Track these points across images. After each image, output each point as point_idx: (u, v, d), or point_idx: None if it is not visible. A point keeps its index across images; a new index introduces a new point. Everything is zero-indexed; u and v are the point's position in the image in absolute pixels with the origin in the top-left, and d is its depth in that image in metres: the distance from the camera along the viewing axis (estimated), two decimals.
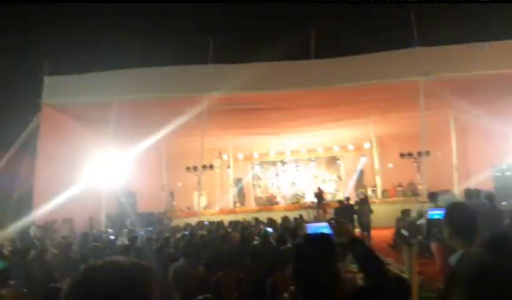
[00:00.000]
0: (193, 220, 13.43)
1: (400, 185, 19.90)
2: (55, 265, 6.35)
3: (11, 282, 4.81)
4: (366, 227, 13.58)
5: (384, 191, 20.04)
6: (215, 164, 20.92)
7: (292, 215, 14.34)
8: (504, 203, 12.26)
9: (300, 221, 11.77)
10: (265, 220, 12.47)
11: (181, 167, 19.69)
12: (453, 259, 2.09)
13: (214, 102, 13.16)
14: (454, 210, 2.35)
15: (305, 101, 14.53)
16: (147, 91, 13.32)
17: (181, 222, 15.09)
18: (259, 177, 23.87)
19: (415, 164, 16.79)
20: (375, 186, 20.70)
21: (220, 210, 19.61)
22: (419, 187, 17.22)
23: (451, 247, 2.26)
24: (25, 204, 12.54)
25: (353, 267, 3.31)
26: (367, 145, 21.38)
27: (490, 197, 7.78)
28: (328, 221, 2.23)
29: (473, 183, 15.26)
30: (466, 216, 2.25)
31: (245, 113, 15.13)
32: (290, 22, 16.20)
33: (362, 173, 22.11)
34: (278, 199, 22.36)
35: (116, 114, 13.21)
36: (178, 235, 9.08)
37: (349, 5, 17.37)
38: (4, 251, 7.28)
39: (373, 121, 18.23)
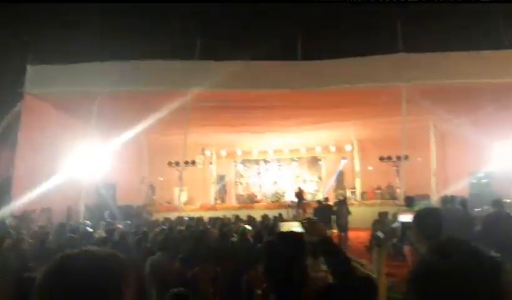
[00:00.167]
0: (173, 215, 13.42)
1: (379, 188, 20.23)
2: (30, 254, 6.30)
3: None
4: (343, 228, 13.74)
5: (362, 193, 20.35)
6: (197, 160, 20.88)
7: (272, 214, 14.44)
8: (477, 209, 12.57)
9: (278, 220, 11.86)
10: (244, 218, 12.55)
11: (164, 162, 19.62)
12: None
13: (198, 97, 13.16)
14: (423, 216, 2.45)
15: (289, 102, 14.64)
16: (131, 84, 13.23)
17: (161, 216, 15.05)
18: (241, 175, 23.95)
19: (394, 168, 17.06)
20: (354, 188, 20.99)
21: (201, 206, 19.62)
22: (397, 190, 17.52)
23: (419, 250, 2.36)
24: (4, 193, 12.35)
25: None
26: (348, 148, 21.64)
27: (463, 203, 7.99)
28: (301, 221, 2.30)
29: (450, 189, 15.65)
30: (434, 222, 2.35)
31: (229, 110, 15.18)
32: (278, 23, 16.27)
33: (342, 175, 22.39)
34: (259, 197, 22.47)
35: (100, 105, 13.10)
36: (157, 230, 9.07)
37: (337, 8, 17.50)
38: None
39: (354, 124, 18.50)
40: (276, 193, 22.78)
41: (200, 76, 12.84)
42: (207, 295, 5.55)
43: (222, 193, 22.52)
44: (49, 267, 1.08)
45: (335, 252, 1.99)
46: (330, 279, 3.51)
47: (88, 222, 11.85)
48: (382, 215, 12.50)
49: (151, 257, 5.89)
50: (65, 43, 14.83)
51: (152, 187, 20.78)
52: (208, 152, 22.09)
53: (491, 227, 6.93)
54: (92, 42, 15.49)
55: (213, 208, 19.18)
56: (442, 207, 8.04)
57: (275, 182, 23.36)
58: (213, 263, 5.76)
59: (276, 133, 19.51)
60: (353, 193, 20.69)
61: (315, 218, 12.07)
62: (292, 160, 23.50)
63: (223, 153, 22.67)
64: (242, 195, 22.88)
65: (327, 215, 14.19)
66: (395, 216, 11.98)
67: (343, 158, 22.12)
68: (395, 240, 9.91)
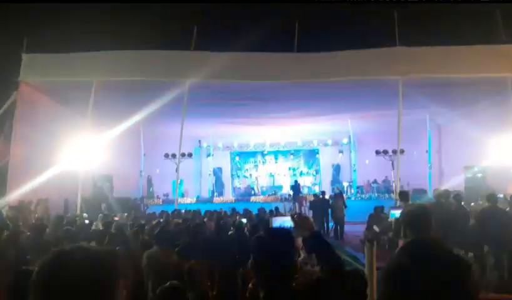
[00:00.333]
0: (170, 208, 13.47)
1: (375, 182, 20.33)
2: (28, 247, 6.33)
3: None
4: (340, 221, 13.87)
5: (359, 187, 20.45)
6: (194, 153, 20.93)
7: (269, 207, 14.56)
8: (472, 204, 12.69)
9: (274, 213, 11.95)
10: (241, 211, 12.64)
11: (160, 154, 19.64)
12: None
13: (195, 88, 13.15)
14: (411, 211, 2.50)
15: (286, 94, 14.67)
16: (127, 74, 13.18)
17: (158, 209, 15.11)
18: (238, 167, 24.03)
19: (390, 162, 17.15)
20: (351, 181, 21.09)
21: (197, 199, 19.70)
22: (394, 184, 17.65)
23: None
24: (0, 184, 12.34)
25: None
26: (345, 141, 21.72)
27: (458, 197, 8.09)
28: (292, 216, 2.35)
29: (446, 183, 15.78)
30: (422, 217, 2.39)
31: (225, 102, 15.19)
32: (275, 15, 16.20)
33: (339, 168, 22.49)
34: (256, 190, 22.56)
35: (96, 95, 13.07)
36: (154, 222, 9.14)
37: (334, 1, 17.45)
38: None
39: (351, 117, 18.56)
40: (274, 186, 22.89)
41: (196, 67, 12.79)
42: (204, 287, 5.61)
43: (219, 186, 22.58)
44: (44, 263, 1.12)
45: (324, 247, 2.05)
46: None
47: (85, 214, 11.90)
48: (378, 209, 12.57)
49: (148, 250, 5.94)
50: (61, 32, 14.76)
51: (149, 179, 20.82)
52: (204, 144, 22.13)
53: (484, 221, 7.04)
54: (87, 31, 15.42)
55: (209, 201, 19.26)
56: (436, 201, 8.13)
57: (271, 175, 23.44)
58: (210, 256, 5.82)
59: (272, 125, 19.54)
60: (349, 186, 20.78)
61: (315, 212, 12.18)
62: (289, 153, 23.57)
63: (220, 145, 22.70)
64: (239, 188, 22.97)
65: (323, 208, 14.33)
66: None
67: (340, 151, 22.22)
68: (390, 234, 9.99)
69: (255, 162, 23.91)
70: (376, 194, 19.12)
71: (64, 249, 1.15)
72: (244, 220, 8.23)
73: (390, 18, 13.70)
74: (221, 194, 21.90)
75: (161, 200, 19.45)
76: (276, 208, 14.06)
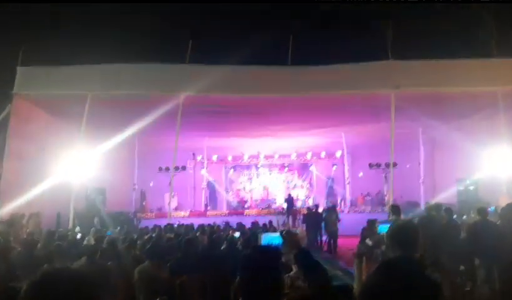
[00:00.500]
0: (163, 222, 13.40)
1: (369, 195, 20.37)
2: (18, 263, 6.27)
3: None
4: (333, 235, 13.84)
5: (353, 200, 20.48)
6: (188, 165, 20.90)
7: (262, 220, 14.53)
8: (464, 217, 12.74)
9: (268, 227, 11.94)
10: (234, 225, 12.62)
11: (154, 167, 19.60)
12: None
13: (190, 102, 13.20)
14: (398, 226, 2.53)
15: (280, 107, 14.77)
16: (122, 87, 13.21)
17: (151, 222, 15.02)
18: (232, 181, 24.00)
19: (383, 175, 17.24)
20: (344, 194, 21.12)
21: (191, 212, 19.62)
22: (387, 197, 17.69)
23: None
24: None
25: None
26: (338, 154, 21.80)
27: (449, 211, 8.13)
28: (281, 232, 2.37)
29: (438, 196, 15.86)
30: (408, 232, 2.42)
31: (219, 115, 15.23)
32: (269, 28, 16.39)
33: (332, 181, 22.54)
34: (250, 203, 22.53)
35: (90, 108, 13.08)
36: (146, 237, 9.09)
37: (328, 15, 17.71)
38: None
39: (345, 130, 18.67)
40: (267, 199, 22.88)
41: (190, 80, 12.87)
42: None
43: (213, 199, 22.52)
44: (31, 282, 1.15)
45: (311, 263, 2.07)
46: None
47: (77, 228, 11.81)
48: (371, 222, 12.57)
49: (140, 265, 5.91)
50: (56, 45, 14.78)
51: (142, 193, 20.72)
52: (198, 157, 22.12)
53: (475, 234, 7.08)
54: (82, 44, 15.48)
55: (203, 214, 19.19)
56: (427, 214, 8.16)
57: (265, 188, 23.44)
58: (202, 271, 5.80)
59: (266, 138, 19.60)
60: (343, 199, 20.81)
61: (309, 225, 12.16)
62: (283, 165, 23.61)
63: (214, 158, 22.70)
64: (233, 202, 22.92)
65: (317, 222, 14.32)
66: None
67: (334, 164, 22.29)
68: (383, 247, 9.98)
69: (249, 175, 23.91)
70: (370, 207, 19.13)
71: (51, 270, 1.18)
72: (237, 235, 8.22)
73: (383, 32, 13.89)
74: (214, 207, 21.83)
75: (154, 214, 19.35)
76: (270, 222, 14.04)
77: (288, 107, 14.72)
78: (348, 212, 18.65)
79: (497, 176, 13.12)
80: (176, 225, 12.14)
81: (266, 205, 21.82)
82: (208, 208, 21.12)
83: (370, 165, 18.28)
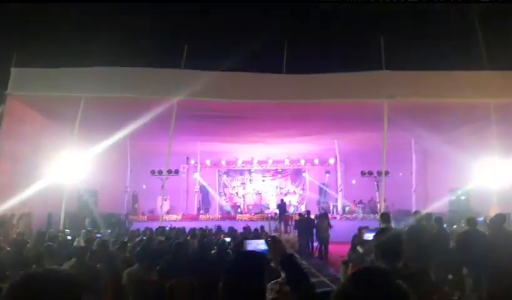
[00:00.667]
0: (155, 225, 13.37)
1: (361, 202, 20.44)
2: (7, 263, 6.26)
3: None
4: (325, 241, 13.87)
5: (345, 207, 20.53)
6: (181, 169, 20.88)
7: (254, 225, 14.56)
8: (455, 226, 12.84)
9: (259, 232, 11.96)
10: (226, 230, 12.63)
11: (147, 170, 19.55)
12: None
13: (183, 106, 13.23)
14: (382, 235, 2.57)
15: (274, 113, 14.82)
16: (116, 90, 13.22)
17: (142, 225, 14.97)
18: (225, 185, 24.01)
19: (375, 183, 17.33)
20: (337, 201, 21.18)
21: (183, 216, 19.58)
22: (379, 205, 17.78)
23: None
24: None
25: None
26: (331, 161, 21.89)
27: (439, 220, 8.20)
28: (266, 239, 2.41)
29: (430, 206, 15.95)
30: (392, 241, 2.47)
31: (213, 120, 15.26)
32: (265, 35, 16.51)
33: (325, 188, 22.62)
34: (242, 208, 22.52)
35: (83, 111, 13.06)
36: (137, 240, 9.08)
37: (323, 24, 17.87)
38: None
39: (338, 138, 18.78)
40: (260, 204, 22.89)
41: (184, 85, 12.89)
42: None
43: (205, 203, 22.50)
44: (12, 284, 1.17)
45: (295, 270, 2.10)
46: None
47: (68, 230, 11.76)
48: (362, 229, 12.63)
49: (129, 268, 5.92)
50: (51, 47, 14.80)
51: (134, 196, 20.66)
52: (192, 161, 22.10)
53: (463, 244, 7.14)
54: (77, 47, 15.51)
55: (195, 218, 19.16)
56: (417, 224, 8.23)
57: (258, 193, 23.47)
58: (191, 275, 5.81)
59: (260, 144, 19.65)
60: (335, 206, 20.87)
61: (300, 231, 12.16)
62: (276, 171, 23.66)
63: (208, 163, 22.70)
64: (225, 206, 22.91)
65: (308, 228, 14.36)
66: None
67: (327, 171, 22.37)
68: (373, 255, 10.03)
69: (242, 180, 23.94)
70: (361, 215, 19.20)
71: (33, 271, 1.20)
72: (228, 239, 8.23)
73: (377, 43, 14.02)
74: (207, 211, 21.80)
75: (146, 216, 19.29)
76: (262, 227, 14.06)
77: (282, 113, 14.78)
78: (341, 219, 18.70)
79: (489, 187, 13.23)
80: (167, 229, 12.11)
81: (258, 210, 21.82)
82: (201, 212, 21.09)
83: (362, 173, 18.38)
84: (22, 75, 13.47)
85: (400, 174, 18.88)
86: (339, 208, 20.49)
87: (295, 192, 23.61)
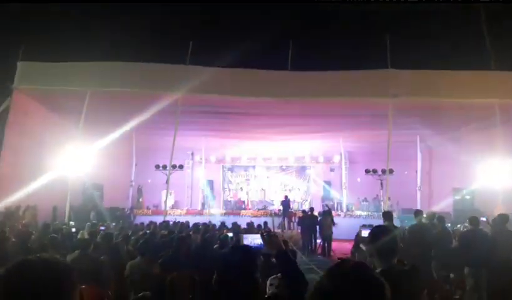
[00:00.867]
0: (159, 219, 13.46)
1: (365, 200, 20.42)
2: (12, 253, 6.34)
3: None
4: (328, 238, 13.90)
5: (349, 204, 20.52)
6: (186, 165, 20.95)
7: (258, 221, 14.60)
8: (459, 225, 12.83)
9: (262, 228, 12.00)
10: (230, 225, 12.66)
11: (152, 164, 19.66)
12: None
13: (188, 102, 13.28)
14: (377, 232, 2.60)
15: (278, 110, 14.83)
16: (121, 85, 13.29)
17: (147, 219, 15.09)
18: (229, 181, 24.06)
19: (379, 181, 17.31)
20: (341, 199, 21.17)
21: (187, 210, 19.67)
22: (383, 203, 17.76)
23: (373, 264, 2.51)
24: None
25: None
26: (336, 159, 21.86)
27: (441, 219, 8.19)
28: (262, 233, 2.43)
29: (435, 204, 15.94)
30: (387, 238, 2.49)
31: (218, 116, 15.31)
32: (271, 33, 16.49)
33: (329, 185, 22.61)
34: (246, 204, 22.57)
35: (89, 105, 13.14)
36: (141, 233, 9.15)
37: (329, 22, 17.83)
38: None
39: (343, 136, 18.74)
40: (264, 200, 22.93)
41: (189, 80, 12.92)
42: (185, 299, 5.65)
43: (210, 198, 22.57)
44: (5, 270, 1.21)
45: (290, 265, 2.13)
46: None
47: (72, 222, 11.87)
48: (365, 227, 12.63)
49: (131, 261, 5.98)
50: (57, 41, 14.88)
51: (139, 190, 20.78)
52: (197, 157, 22.17)
53: (465, 243, 7.14)
54: (84, 41, 15.59)
55: (199, 213, 19.25)
56: (419, 223, 8.24)
57: (263, 190, 23.50)
58: (192, 269, 5.85)
59: (265, 141, 19.67)
60: (339, 203, 20.86)
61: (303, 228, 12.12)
62: (281, 168, 23.68)
63: (212, 158, 22.76)
64: (229, 202, 22.97)
65: (312, 225, 14.38)
66: None
67: (332, 168, 22.35)
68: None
69: (247, 176, 23.98)
70: (366, 212, 19.19)
71: (25, 259, 1.24)
72: (230, 235, 8.27)
73: (383, 42, 13.97)
74: (211, 206, 21.87)
75: (150, 210, 19.41)
76: (265, 223, 14.11)
77: (287, 111, 14.79)
78: (345, 216, 18.70)
79: (493, 187, 13.18)
80: (171, 223, 12.19)
81: (262, 206, 21.87)
82: (205, 207, 21.16)
83: (367, 171, 18.35)
84: (29, 69, 13.58)
85: (406, 172, 18.84)
86: (343, 206, 20.49)
87: (299, 189, 23.61)
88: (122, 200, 18.89)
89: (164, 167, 17.35)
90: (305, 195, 23.42)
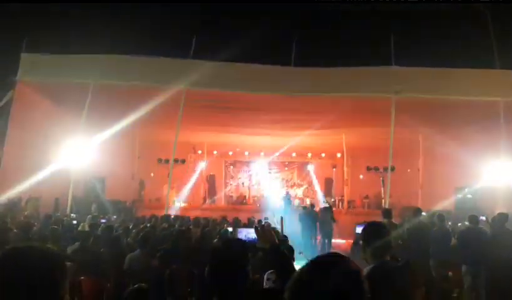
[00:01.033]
0: (161, 213, 13.50)
1: (366, 197, 20.41)
2: (12, 244, 6.40)
3: None
4: (328, 235, 13.93)
5: (350, 201, 20.52)
6: (188, 159, 21.00)
7: (259, 217, 14.62)
8: (459, 224, 12.81)
9: (262, 224, 12.01)
10: (231, 220, 12.70)
11: (155, 158, 19.73)
12: (364, 271, 2.35)
13: (191, 96, 13.28)
14: (369, 229, 2.62)
15: (282, 106, 14.82)
16: (125, 78, 13.31)
17: (149, 213, 15.14)
18: (232, 176, 24.10)
19: (381, 179, 17.30)
20: (342, 196, 21.17)
21: (189, 205, 19.74)
22: (383, 201, 17.74)
23: (365, 260, 2.53)
24: None
25: None
26: (338, 155, 21.85)
27: (441, 217, 8.20)
28: (256, 227, 2.46)
29: (436, 203, 15.93)
30: (379, 235, 2.51)
31: (220, 111, 15.31)
32: (274, 28, 16.49)
33: (331, 182, 22.60)
34: (248, 199, 22.63)
35: (92, 98, 13.18)
36: (141, 226, 9.20)
37: (333, 18, 17.80)
38: None
39: (345, 132, 18.70)
40: (265, 196, 22.94)
41: (193, 74, 12.92)
42: (183, 293, 5.69)
43: (212, 193, 22.64)
44: None
45: (282, 259, 2.15)
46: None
47: (73, 215, 11.94)
48: (360, 224, 12.67)
49: (131, 254, 6.03)
50: (61, 33, 14.94)
51: (141, 183, 20.85)
52: (199, 151, 22.22)
53: (464, 242, 7.16)
54: (88, 33, 15.63)
55: (201, 207, 19.31)
56: (418, 220, 8.24)
57: (264, 185, 23.54)
58: (191, 262, 5.89)
59: (267, 136, 19.67)
60: (340, 200, 20.86)
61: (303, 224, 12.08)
62: (283, 164, 23.69)
63: (215, 153, 22.80)
64: (231, 196, 23.02)
65: (312, 221, 14.40)
66: None
67: (333, 165, 22.33)
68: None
69: (249, 171, 24.01)
70: (366, 210, 19.20)
71: (16, 247, 1.27)
72: (230, 229, 8.32)
73: (387, 39, 13.93)
74: (213, 201, 21.95)
75: (152, 204, 19.48)
76: (266, 218, 14.13)
77: (290, 106, 14.78)
78: (346, 213, 18.71)
79: (496, 186, 13.16)
80: (172, 217, 12.24)
81: (264, 202, 21.90)
82: (207, 201, 21.24)
83: (368, 168, 18.34)
84: (32, 61, 13.60)
85: (408, 170, 18.82)
86: (345, 202, 20.50)
87: (300, 185, 23.63)
88: (125, 193, 18.95)
89: (167, 161, 17.40)
90: (307, 191, 23.43)
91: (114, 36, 15.06)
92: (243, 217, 13.95)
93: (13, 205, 11.53)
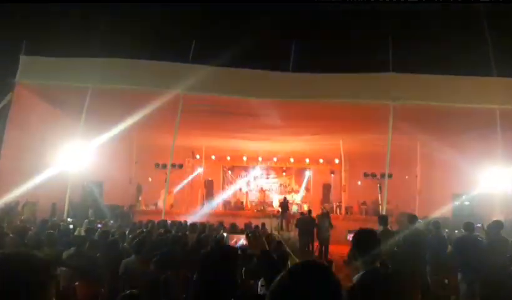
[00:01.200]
0: (158, 218, 13.47)
1: (364, 204, 20.40)
2: (7, 249, 6.39)
3: None
4: (325, 241, 13.89)
5: (348, 207, 20.51)
6: (186, 164, 20.99)
7: (256, 222, 14.61)
8: (456, 231, 12.81)
9: (260, 229, 12.03)
10: (227, 225, 12.69)
11: (152, 163, 19.69)
12: (355, 278, 2.37)
13: (190, 100, 13.31)
14: (359, 236, 2.63)
15: (280, 112, 14.84)
16: (123, 82, 13.34)
17: (145, 217, 15.11)
18: (229, 181, 24.09)
19: (378, 185, 17.31)
20: (340, 202, 21.16)
21: (186, 210, 19.67)
22: (381, 207, 17.74)
23: (356, 267, 2.55)
24: None
25: None
26: (336, 161, 21.86)
27: (436, 225, 8.21)
28: (247, 234, 2.47)
29: (434, 210, 15.93)
30: (369, 242, 2.53)
31: (218, 116, 15.34)
32: (273, 34, 16.55)
33: (329, 187, 22.60)
34: (245, 204, 22.60)
35: (91, 101, 13.19)
36: (138, 231, 9.18)
37: (331, 24, 17.86)
38: None
39: (343, 138, 18.74)
40: (263, 201, 22.93)
41: (191, 79, 12.94)
42: (178, 299, 5.68)
43: (209, 198, 22.60)
44: None
45: (270, 267, 2.16)
46: None
47: (70, 219, 11.92)
48: (351, 231, 12.66)
49: (126, 259, 6.02)
50: (60, 37, 14.95)
51: (139, 188, 20.81)
52: (197, 156, 22.22)
53: (460, 249, 7.16)
54: (87, 37, 15.65)
55: (198, 213, 19.24)
56: (414, 227, 8.25)
57: (262, 190, 23.53)
58: (186, 268, 5.88)
59: (265, 142, 19.69)
60: (338, 206, 20.86)
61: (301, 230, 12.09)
62: (281, 169, 23.70)
63: (213, 158, 22.80)
64: (229, 202, 22.99)
65: (309, 227, 14.38)
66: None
67: (331, 171, 22.35)
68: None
69: (247, 176, 24.01)
70: (364, 216, 19.19)
71: (5, 252, 1.28)
72: (226, 235, 8.31)
73: (385, 46, 13.99)
74: (211, 206, 21.88)
75: (149, 209, 19.45)
76: (263, 224, 14.11)
77: (288, 112, 14.82)
78: (343, 219, 18.70)
79: (493, 193, 13.18)
80: (169, 222, 12.22)
81: (261, 207, 21.89)
82: (204, 207, 21.17)
83: (366, 175, 18.35)
84: (31, 63, 13.63)
85: (406, 177, 18.84)
86: (342, 208, 20.49)
87: (298, 191, 23.63)
88: (122, 198, 18.91)
89: (164, 165, 17.39)
90: (304, 197, 23.43)
91: (113, 40, 15.06)
92: (241, 223, 13.95)
93: (10, 209, 11.49)
